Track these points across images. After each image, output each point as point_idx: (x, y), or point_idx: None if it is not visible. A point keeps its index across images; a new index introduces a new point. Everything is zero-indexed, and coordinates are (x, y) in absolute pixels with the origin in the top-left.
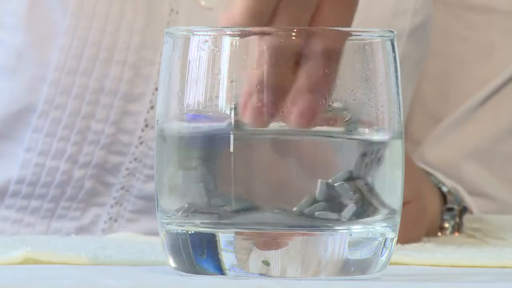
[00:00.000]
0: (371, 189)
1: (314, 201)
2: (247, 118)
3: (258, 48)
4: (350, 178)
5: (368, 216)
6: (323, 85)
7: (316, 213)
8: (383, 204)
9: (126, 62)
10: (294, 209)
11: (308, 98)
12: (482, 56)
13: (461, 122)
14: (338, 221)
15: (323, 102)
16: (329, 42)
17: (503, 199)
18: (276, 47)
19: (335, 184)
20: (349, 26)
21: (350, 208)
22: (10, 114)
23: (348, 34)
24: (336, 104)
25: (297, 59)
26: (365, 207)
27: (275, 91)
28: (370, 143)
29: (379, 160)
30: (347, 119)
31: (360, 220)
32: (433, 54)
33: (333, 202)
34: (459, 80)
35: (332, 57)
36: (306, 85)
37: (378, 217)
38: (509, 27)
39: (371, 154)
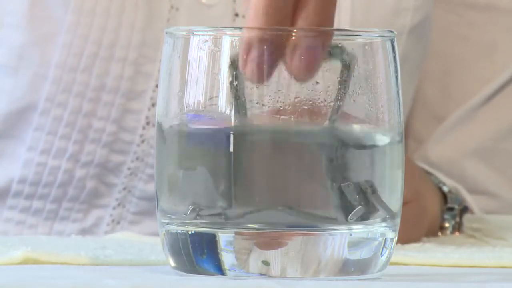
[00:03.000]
0: (375, 191)
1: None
2: (247, 73)
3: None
4: (355, 179)
5: (370, 218)
6: (321, 31)
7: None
8: (386, 207)
9: (126, 59)
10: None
11: (307, 44)
12: (484, 55)
13: (463, 121)
14: (344, 222)
15: (322, 47)
16: None
17: (505, 197)
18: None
19: (342, 185)
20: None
21: (358, 210)
22: (12, 113)
23: None
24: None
25: (293, 10)
26: (369, 209)
27: (273, 43)
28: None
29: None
30: (330, 113)
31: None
32: (435, 53)
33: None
34: (461, 79)
35: (327, 4)
36: (304, 34)
37: (378, 217)
38: (510, 26)
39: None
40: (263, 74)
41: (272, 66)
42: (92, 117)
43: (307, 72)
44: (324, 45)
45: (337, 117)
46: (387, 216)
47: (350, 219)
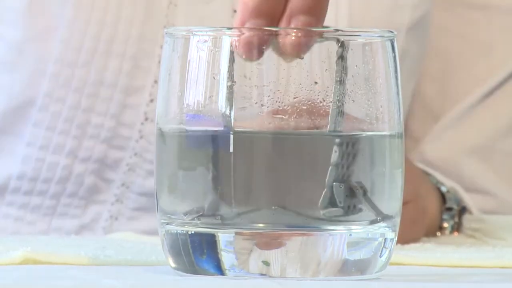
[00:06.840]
0: (365, 193)
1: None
2: (240, 50)
3: None
4: (347, 180)
5: (360, 219)
6: (315, 8)
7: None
8: (376, 209)
9: (125, 54)
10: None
11: (300, 22)
12: (481, 54)
13: (460, 120)
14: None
15: (316, 26)
16: None
17: (502, 196)
18: None
19: (333, 184)
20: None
21: (337, 210)
22: (10, 109)
23: None
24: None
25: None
26: (359, 209)
27: (267, 20)
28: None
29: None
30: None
31: (359, 220)
32: (433, 51)
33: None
34: (459, 77)
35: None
36: (298, 10)
37: (369, 218)
38: (508, 25)
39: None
40: (255, 51)
41: (265, 42)
42: (91, 113)
43: (296, 50)
44: (316, 23)
45: (337, 117)
46: (378, 218)
47: (325, 215)
